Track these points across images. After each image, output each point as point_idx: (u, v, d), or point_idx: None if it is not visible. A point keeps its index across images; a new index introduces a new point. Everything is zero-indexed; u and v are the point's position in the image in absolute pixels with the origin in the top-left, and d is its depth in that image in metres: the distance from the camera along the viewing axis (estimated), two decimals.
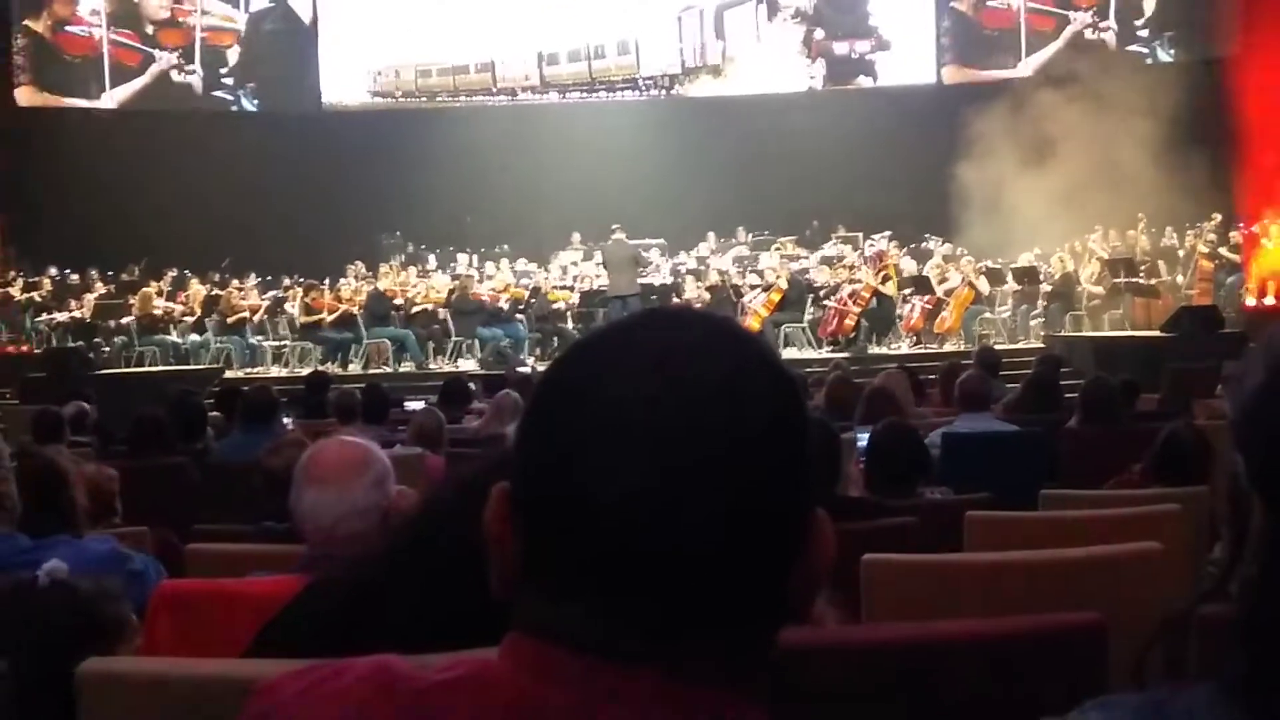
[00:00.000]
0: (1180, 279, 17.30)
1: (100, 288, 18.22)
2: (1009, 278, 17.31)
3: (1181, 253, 17.68)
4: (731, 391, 0.88)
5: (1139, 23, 20.59)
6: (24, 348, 16.99)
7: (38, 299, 17.84)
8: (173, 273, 18.81)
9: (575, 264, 19.50)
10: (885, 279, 17.01)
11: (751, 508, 0.87)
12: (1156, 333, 14.95)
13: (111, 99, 20.95)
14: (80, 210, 18.53)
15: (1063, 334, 16.27)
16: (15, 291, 17.79)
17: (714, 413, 0.87)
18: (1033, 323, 16.95)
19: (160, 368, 16.45)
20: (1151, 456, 4.72)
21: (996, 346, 13.97)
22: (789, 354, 16.43)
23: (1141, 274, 16.93)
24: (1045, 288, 17.12)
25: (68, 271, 18.76)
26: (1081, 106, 17.52)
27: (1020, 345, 16.25)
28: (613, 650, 0.86)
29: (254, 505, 4.21)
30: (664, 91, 22.40)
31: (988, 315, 17.05)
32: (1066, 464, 6.12)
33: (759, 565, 0.88)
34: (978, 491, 4.79)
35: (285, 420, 8.50)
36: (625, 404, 0.87)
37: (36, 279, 18.22)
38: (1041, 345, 15.86)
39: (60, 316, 17.51)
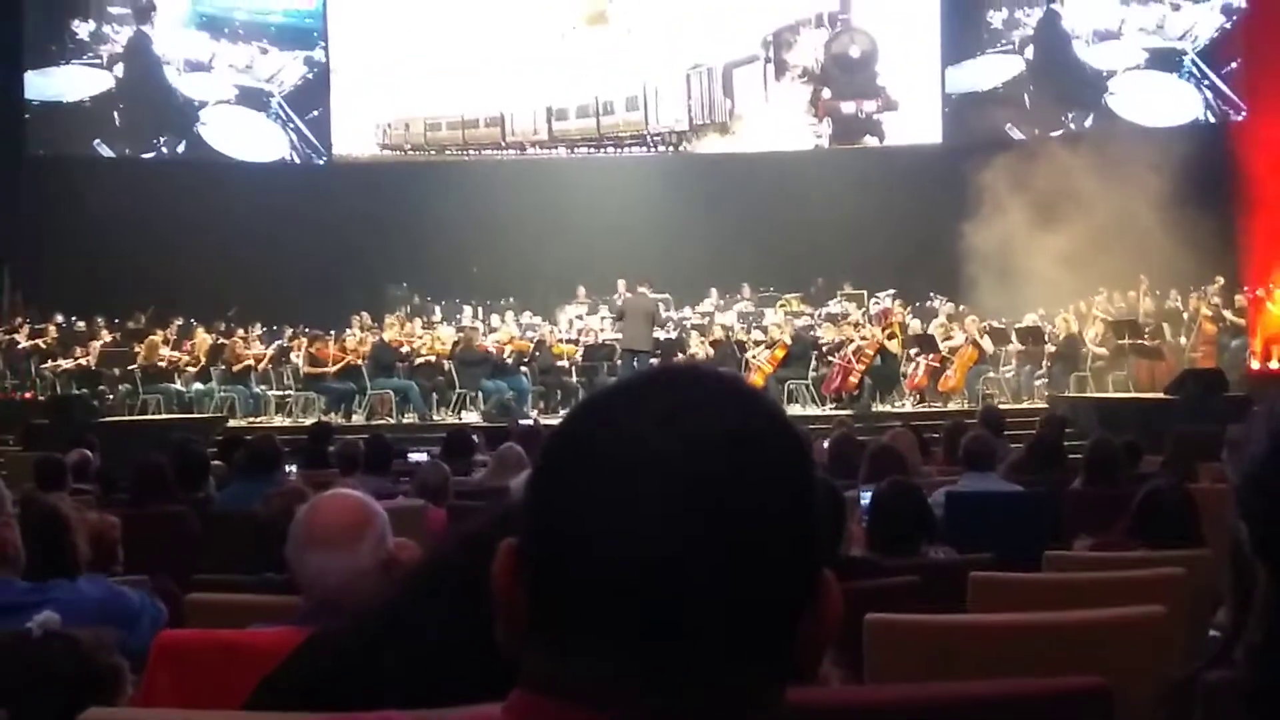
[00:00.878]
0: (1184, 341, 17.30)
1: (106, 335, 18.25)
2: (1013, 337, 17.31)
3: (1185, 315, 17.69)
4: (741, 448, 0.89)
5: None
6: (28, 394, 17.00)
7: (43, 346, 17.87)
8: (179, 321, 18.85)
9: (580, 317, 19.54)
10: (890, 337, 17.03)
11: (761, 564, 0.87)
12: (1160, 395, 14.94)
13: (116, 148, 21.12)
14: (87, 258, 18.61)
15: (1067, 394, 16.26)
16: (21, 338, 17.81)
17: (724, 469, 0.87)
18: (1037, 383, 16.94)
19: (164, 416, 16.46)
20: (1132, 514, 4.71)
21: (1001, 406, 13.96)
22: (793, 410, 16.40)
23: (1145, 336, 16.93)
24: (1050, 348, 17.12)
25: (74, 319, 18.80)
26: (1087, 166, 17.59)
27: (1024, 405, 16.23)
28: (621, 705, 0.86)
29: (255, 555, 4.21)
30: (672, 148, 22.54)
31: (992, 375, 17.04)
32: (1070, 525, 6.10)
33: (767, 621, 0.88)
34: (981, 551, 4.78)
35: (289, 469, 8.51)
36: (636, 460, 0.87)
37: (43, 326, 18.25)
38: (1045, 405, 15.83)
39: (65, 364, 17.52)
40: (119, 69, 21.18)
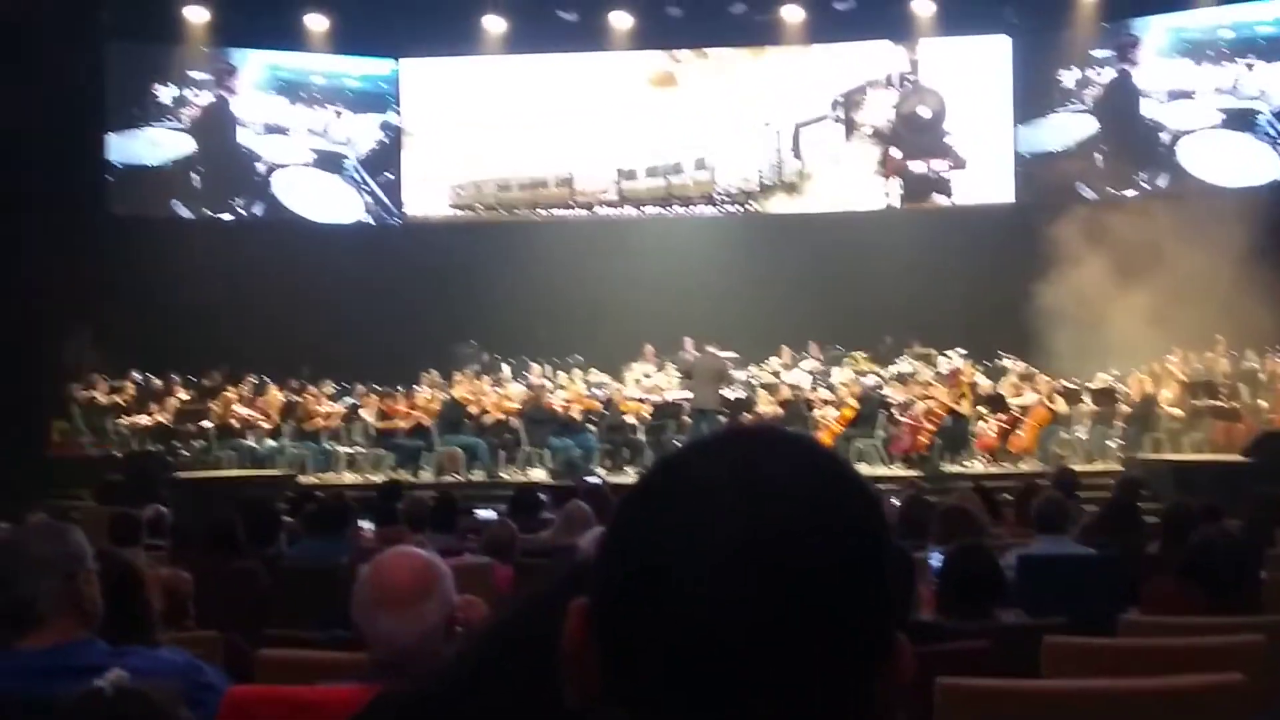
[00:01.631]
0: (1262, 402, 16.99)
1: (182, 393, 18.53)
2: (1086, 398, 17.10)
3: (1262, 375, 17.38)
4: (818, 509, 0.89)
5: None
6: (105, 451, 17.26)
7: (120, 402, 18.17)
8: (252, 379, 19.11)
9: (648, 375, 19.57)
10: (959, 397, 16.89)
11: (835, 627, 0.87)
12: (1237, 457, 14.67)
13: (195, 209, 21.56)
14: (164, 316, 18.92)
15: (1141, 456, 16.01)
16: (99, 395, 18.13)
17: (800, 531, 0.88)
18: (1110, 444, 16.71)
19: (236, 472, 16.66)
20: (1181, 562, 4.62)
21: (1073, 467, 13.77)
22: (861, 470, 16.17)
23: (1222, 396, 16.66)
24: (1123, 409, 16.89)
25: (150, 376, 19.11)
26: (1161, 225, 17.41)
27: (1097, 467, 16.01)
28: None
29: (325, 610, 4.23)
30: (740, 207, 22.61)
31: (1064, 435, 16.83)
32: (1146, 589, 5.98)
33: (840, 684, 0.88)
34: (1054, 616, 4.70)
35: (363, 526, 8.59)
36: (713, 521, 0.88)
37: (120, 383, 18.56)
38: (1119, 467, 15.61)
39: (142, 420, 17.80)
40: (198, 132, 21.64)
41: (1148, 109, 20.79)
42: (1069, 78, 21.55)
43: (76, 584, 2.98)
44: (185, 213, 21.44)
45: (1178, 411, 16.76)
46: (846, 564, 0.88)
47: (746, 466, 0.90)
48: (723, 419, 15.98)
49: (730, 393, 18.14)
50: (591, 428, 17.54)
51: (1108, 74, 21.27)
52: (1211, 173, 20.08)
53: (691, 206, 22.66)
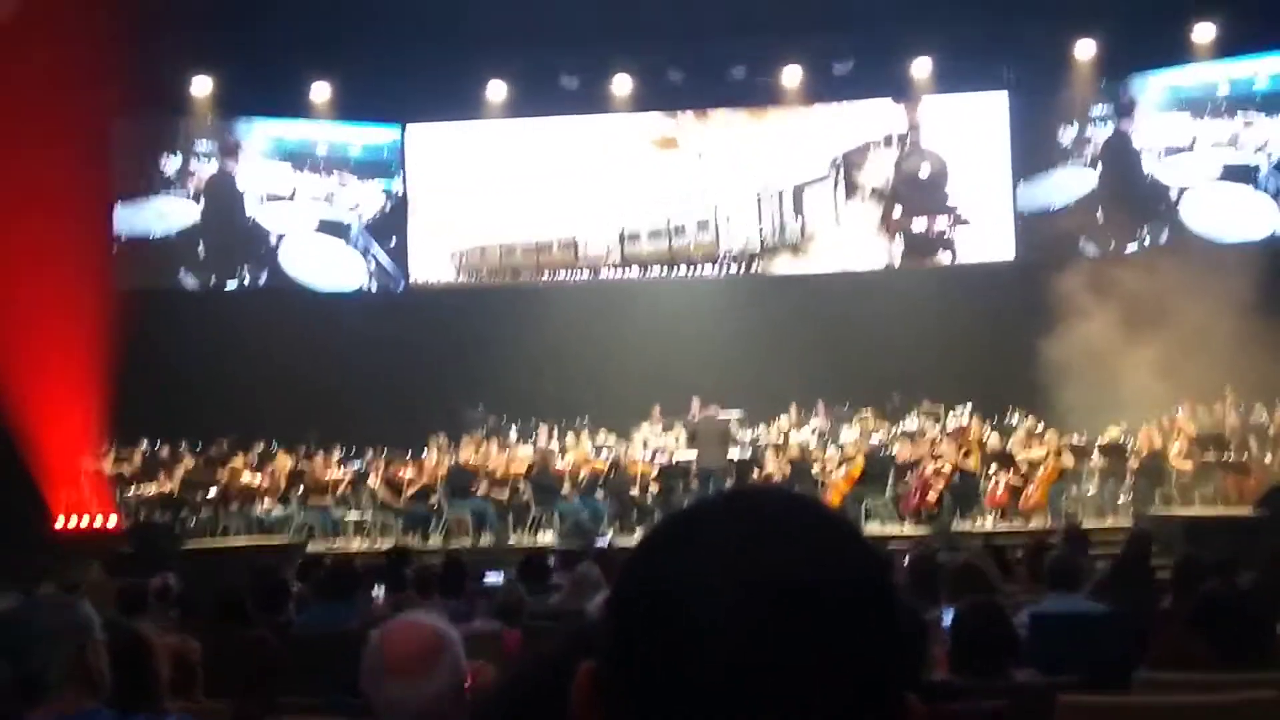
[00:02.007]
0: (1270, 455, 16.93)
1: (189, 461, 18.52)
2: (1095, 453, 17.06)
3: (1271, 430, 17.34)
4: (824, 572, 0.89)
5: None
6: (114, 521, 17.22)
7: (126, 473, 18.16)
8: (260, 446, 19.11)
9: (656, 437, 19.56)
10: (967, 453, 16.85)
11: (845, 691, 0.87)
12: (1248, 511, 14.61)
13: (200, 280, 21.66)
14: (171, 385, 18.96)
15: (1152, 512, 15.94)
16: (106, 466, 18.12)
17: (808, 594, 0.88)
18: (1120, 499, 16.64)
19: (244, 540, 16.62)
20: (1190, 615, 4.59)
21: (1084, 524, 13.71)
22: (871, 529, 16.24)
23: (1231, 451, 16.61)
24: (1132, 464, 16.84)
25: (158, 445, 19.12)
26: (1165, 280, 17.45)
27: (1108, 523, 15.94)
28: None
29: (335, 677, 4.21)
30: (743, 268, 22.68)
31: (1074, 491, 16.76)
32: (1160, 645, 5.94)
33: None
34: (1068, 673, 4.67)
35: (375, 593, 8.57)
36: (718, 586, 0.88)
37: (127, 452, 18.56)
38: (1129, 523, 15.54)
39: (149, 490, 17.78)
40: (203, 201, 21.79)
41: (1147, 164, 20.91)
42: (1067, 134, 21.69)
43: (85, 655, 2.98)
44: (191, 282, 21.56)
45: (1187, 465, 16.71)
46: (857, 630, 0.88)
47: (752, 519, 0.91)
48: (730, 480, 15.95)
49: (737, 453, 18.13)
50: (599, 491, 17.51)
51: (1106, 130, 21.41)
52: (1213, 227, 20.16)
53: (695, 268, 22.75)
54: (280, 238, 22.21)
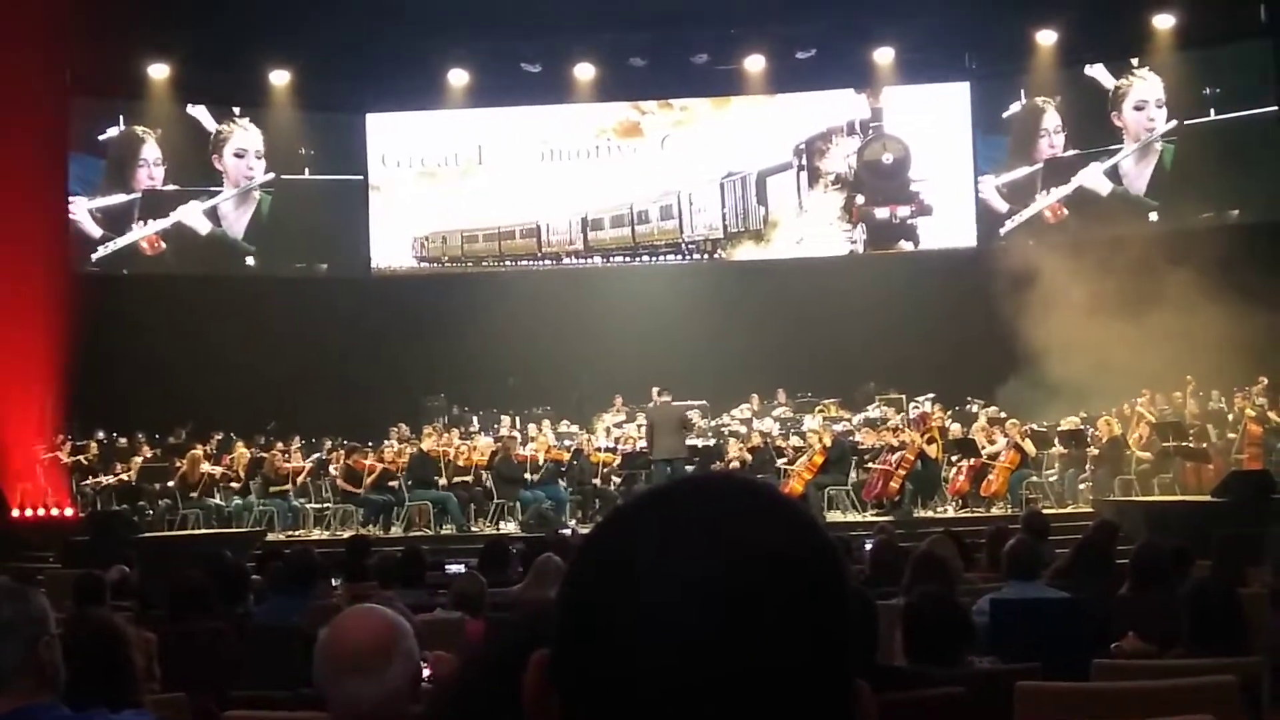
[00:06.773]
0: (1231, 441, 17.07)
1: (147, 451, 18.37)
2: (1055, 441, 17.16)
3: (1230, 416, 17.50)
4: (777, 561, 0.88)
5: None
6: (70, 511, 17.07)
7: (84, 462, 17.99)
8: (219, 436, 18.97)
9: (618, 426, 19.54)
10: (929, 441, 16.92)
11: (798, 678, 0.86)
12: (1207, 498, 14.72)
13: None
14: (127, 374, 18.79)
15: (1112, 498, 16.05)
16: (63, 455, 17.94)
17: (762, 585, 0.86)
18: (1081, 486, 16.75)
19: (203, 530, 16.48)
20: (1184, 616, 4.63)
21: (1044, 510, 13.78)
22: (833, 517, 16.31)
23: (1190, 438, 16.74)
24: (1092, 451, 16.95)
25: (115, 435, 18.94)
26: (1127, 267, 17.55)
27: (1068, 510, 16.05)
28: None
29: (293, 669, 4.18)
30: (706, 256, 22.70)
31: (1035, 479, 16.86)
32: (1119, 632, 5.98)
33: None
34: (1027, 660, 4.69)
35: (334, 583, 8.51)
36: (670, 574, 0.87)
37: (84, 442, 18.39)
38: (1090, 510, 15.64)
39: (106, 480, 17.62)
40: (160, 187, 21.57)
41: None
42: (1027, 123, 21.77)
43: (38, 649, 2.93)
44: (152, 268, 21.31)
45: (1146, 454, 16.82)
46: (810, 618, 0.87)
47: (708, 520, 0.89)
48: (690, 468, 15.92)
49: (699, 441, 18.12)
50: (562, 480, 17.48)
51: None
52: (1176, 214, 20.28)
53: (658, 256, 22.74)
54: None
